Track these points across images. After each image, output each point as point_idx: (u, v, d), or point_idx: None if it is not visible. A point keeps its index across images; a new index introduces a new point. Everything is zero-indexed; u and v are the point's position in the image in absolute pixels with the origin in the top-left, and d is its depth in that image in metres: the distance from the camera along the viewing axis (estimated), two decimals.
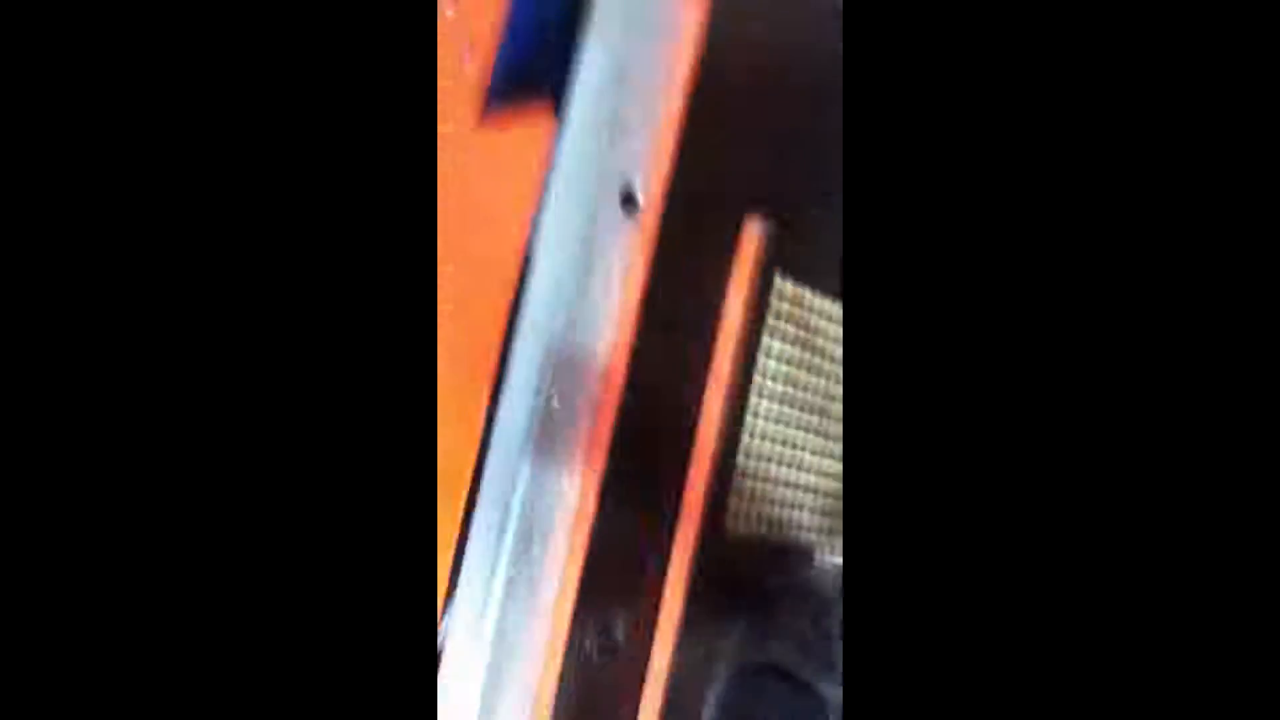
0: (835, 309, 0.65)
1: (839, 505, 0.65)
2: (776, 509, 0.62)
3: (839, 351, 0.65)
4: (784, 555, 0.61)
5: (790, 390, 0.62)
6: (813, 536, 0.63)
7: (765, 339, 0.60)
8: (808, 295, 0.63)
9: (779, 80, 0.56)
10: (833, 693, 0.53)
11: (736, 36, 0.51)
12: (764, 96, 0.55)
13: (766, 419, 0.61)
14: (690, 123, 0.47)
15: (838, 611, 0.58)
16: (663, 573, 0.50)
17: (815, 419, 0.64)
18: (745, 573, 0.57)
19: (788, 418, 0.62)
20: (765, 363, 0.61)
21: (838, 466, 0.65)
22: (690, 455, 0.53)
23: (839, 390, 0.66)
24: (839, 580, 0.61)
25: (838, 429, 0.65)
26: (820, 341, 0.65)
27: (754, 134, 0.55)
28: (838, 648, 0.55)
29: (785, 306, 0.62)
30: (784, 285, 0.62)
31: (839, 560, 0.63)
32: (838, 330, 0.65)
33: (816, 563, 0.63)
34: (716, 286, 0.54)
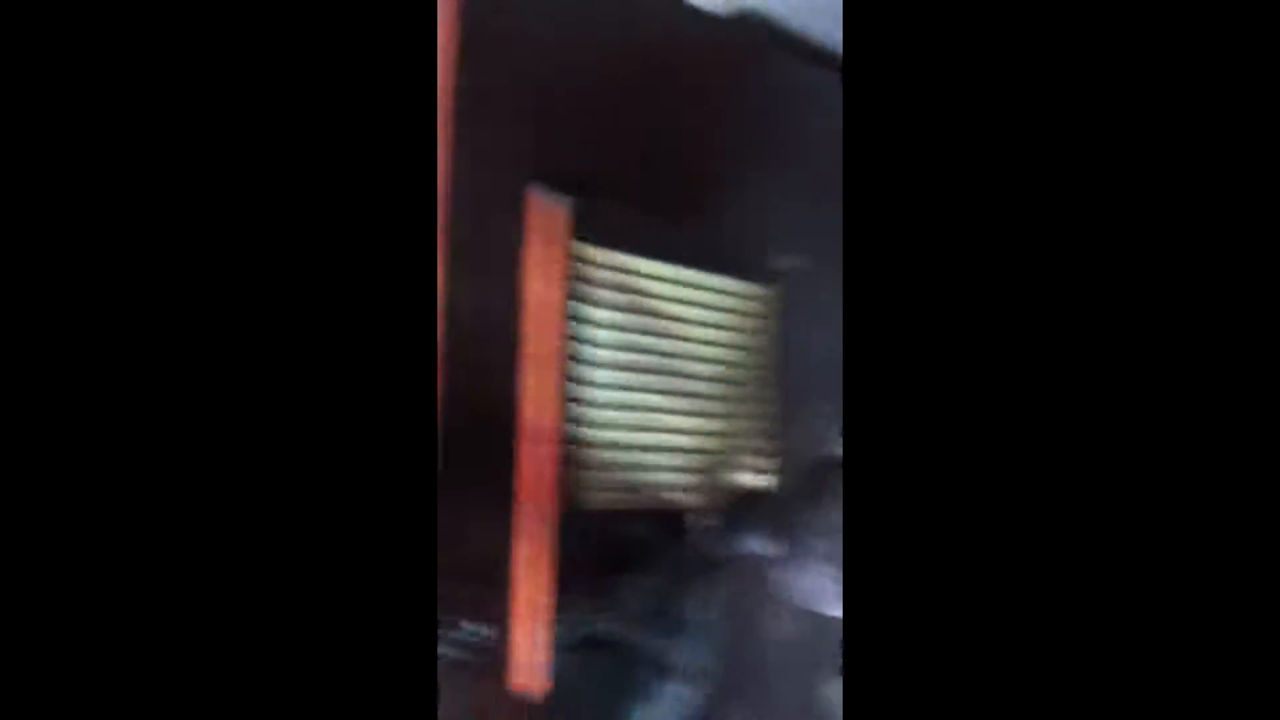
0: (664, 270, 0.65)
1: (700, 461, 0.66)
2: (635, 474, 0.62)
3: (676, 310, 0.66)
4: (648, 520, 0.62)
5: (627, 355, 0.63)
6: (677, 496, 0.64)
7: (588, 309, 0.60)
8: (632, 260, 0.64)
9: (557, 71, 0.56)
10: (679, 657, 0.54)
11: (496, 27, 0.50)
12: (537, 85, 0.55)
13: (608, 386, 0.61)
14: (452, 117, 0.46)
15: (699, 571, 0.59)
16: (520, 560, 0.50)
17: (663, 379, 0.65)
18: (607, 543, 0.58)
19: (631, 382, 0.63)
20: (593, 331, 0.61)
21: (693, 423, 0.66)
22: (523, 440, 0.53)
23: (684, 348, 0.66)
24: (701, 540, 0.62)
25: (689, 385, 0.66)
26: (652, 303, 0.65)
27: (528, 118, 0.55)
28: (690, 607, 0.56)
29: (604, 274, 0.62)
30: (599, 253, 0.62)
31: (704, 519, 0.64)
32: (669, 289, 0.66)
33: (682, 523, 0.64)
34: (510, 266, 0.54)
